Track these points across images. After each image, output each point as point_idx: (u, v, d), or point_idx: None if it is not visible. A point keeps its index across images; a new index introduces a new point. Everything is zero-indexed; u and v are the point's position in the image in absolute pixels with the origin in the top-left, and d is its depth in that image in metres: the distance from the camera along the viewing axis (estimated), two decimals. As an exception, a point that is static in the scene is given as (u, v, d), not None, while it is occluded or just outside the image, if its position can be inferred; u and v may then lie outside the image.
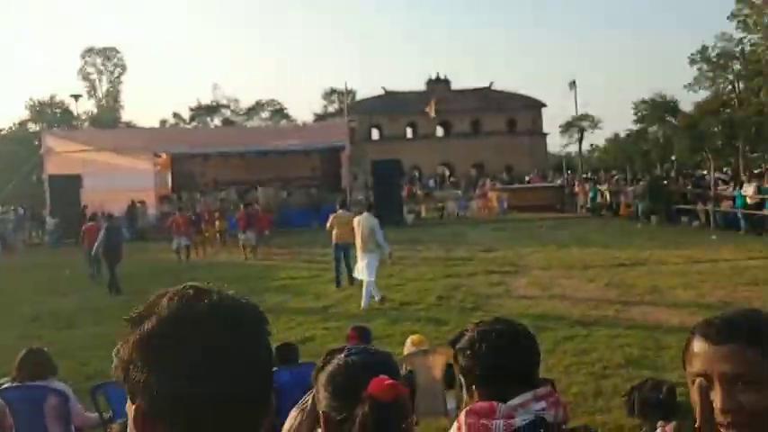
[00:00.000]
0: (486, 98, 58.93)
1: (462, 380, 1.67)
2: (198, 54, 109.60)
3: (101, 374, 6.16)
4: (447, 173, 58.30)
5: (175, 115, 67.45)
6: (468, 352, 1.62)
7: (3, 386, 4.12)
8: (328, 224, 11.90)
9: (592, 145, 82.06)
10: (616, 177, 30.08)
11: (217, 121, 67.09)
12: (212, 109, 68.26)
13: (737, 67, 49.04)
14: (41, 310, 11.33)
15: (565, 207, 30.70)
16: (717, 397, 1.13)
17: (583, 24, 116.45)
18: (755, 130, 44.97)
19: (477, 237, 20.14)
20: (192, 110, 67.96)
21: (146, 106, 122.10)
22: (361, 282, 10.29)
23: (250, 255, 17.33)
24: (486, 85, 60.29)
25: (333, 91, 68.53)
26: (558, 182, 36.35)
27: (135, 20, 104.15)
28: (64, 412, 4.12)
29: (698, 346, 1.18)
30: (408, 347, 4.69)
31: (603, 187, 28.79)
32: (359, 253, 10.30)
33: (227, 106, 69.02)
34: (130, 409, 0.85)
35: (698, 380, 1.15)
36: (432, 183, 46.50)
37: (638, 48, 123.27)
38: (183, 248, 17.31)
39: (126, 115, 66.30)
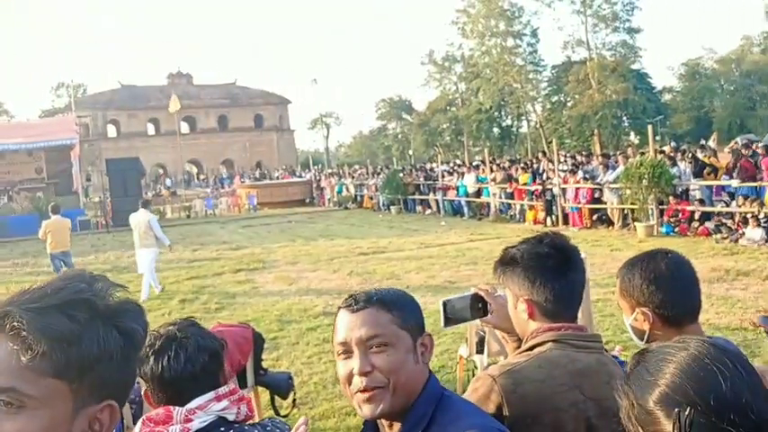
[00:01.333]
0: (231, 94, 58.12)
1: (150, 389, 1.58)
2: None
3: None
4: (195, 170, 56.35)
5: None
6: (146, 357, 1.54)
7: None
8: (41, 233, 11.29)
9: (339, 141, 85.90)
10: (359, 171, 31.70)
11: None
12: None
13: (459, 69, 54.88)
14: None
15: (313, 201, 31.69)
16: (354, 363, 1.21)
17: (326, 23, 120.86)
18: (476, 127, 50.85)
19: (226, 235, 19.80)
20: None
21: None
22: None
23: None
24: (231, 81, 59.44)
25: (61, 85, 62.29)
26: (307, 177, 37.30)
27: None
28: None
29: (340, 317, 1.27)
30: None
31: (348, 181, 30.24)
32: (137, 249, 10.71)
33: (-75, 99, 58.82)
34: None
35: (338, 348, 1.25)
36: (169, 182, 44.77)
37: (382, 47, 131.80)
38: None
39: None
